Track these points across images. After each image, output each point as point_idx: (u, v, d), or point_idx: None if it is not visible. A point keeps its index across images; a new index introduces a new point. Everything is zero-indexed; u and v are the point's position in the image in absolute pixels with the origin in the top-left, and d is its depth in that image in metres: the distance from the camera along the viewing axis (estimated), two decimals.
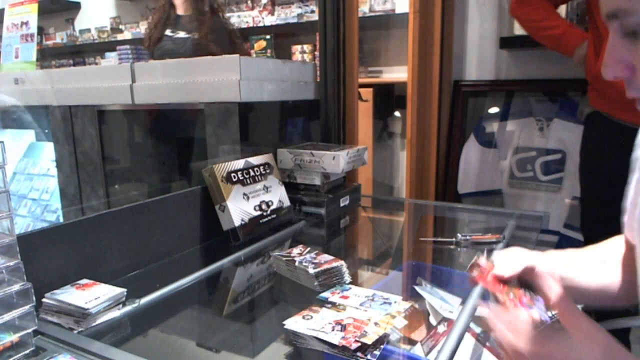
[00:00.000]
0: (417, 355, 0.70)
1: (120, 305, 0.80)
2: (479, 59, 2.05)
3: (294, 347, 0.69)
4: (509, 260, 0.73)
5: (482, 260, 0.78)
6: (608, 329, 0.75)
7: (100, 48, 4.57)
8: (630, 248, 0.76)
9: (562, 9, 1.70)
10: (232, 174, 1.16)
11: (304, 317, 0.71)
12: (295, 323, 0.69)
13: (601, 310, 0.80)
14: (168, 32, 2.39)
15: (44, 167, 1.90)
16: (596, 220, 1.46)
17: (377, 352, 0.65)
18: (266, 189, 1.24)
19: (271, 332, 0.80)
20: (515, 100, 1.99)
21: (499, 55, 2.02)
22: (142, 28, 4.23)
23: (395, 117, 3.05)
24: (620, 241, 0.79)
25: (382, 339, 0.66)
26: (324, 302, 0.83)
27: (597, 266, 0.77)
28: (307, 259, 0.94)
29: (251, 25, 3.61)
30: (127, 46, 4.22)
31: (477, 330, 0.92)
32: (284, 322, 0.70)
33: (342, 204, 1.43)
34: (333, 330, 0.67)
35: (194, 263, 1.07)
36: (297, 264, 0.93)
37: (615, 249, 0.79)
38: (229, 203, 1.12)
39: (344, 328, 0.67)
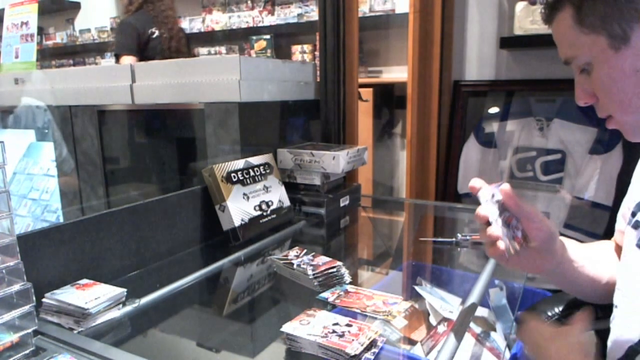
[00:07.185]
0: (417, 355, 0.70)
1: (120, 305, 0.80)
2: (479, 59, 2.05)
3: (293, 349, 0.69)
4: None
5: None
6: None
7: (100, 48, 4.57)
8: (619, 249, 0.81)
9: None
10: (232, 174, 1.16)
11: (300, 322, 0.70)
12: (292, 328, 0.69)
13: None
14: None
15: (44, 167, 1.90)
16: None
17: (370, 356, 0.65)
18: (266, 189, 1.24)
19: (271, 333, 0.80)
20: (515, 100, 1.99)
21: (499, 55, 2.01)
22: None
23: (395, 117, 3.04)
24: (609, 245, 0.84)
25: (375, 342, 0.66)
26: (324, 303, 0.83)
27: (592, 254, 0.81)
28: (305, 261, 0.94)
29: (251, 25, 3.60)
30: None
31: (477, 330, 0.92)
32: (281, 329, 0.69)
33: (342, 204, 1.43)
34: (328, 334, 0.67)
35: (194, 263, 1.07)
36: (295, 267, 0.93)
37: (606, 248, 0.84)
38: (229, 203, 1.12)
39: (339, 332, 0.67)
